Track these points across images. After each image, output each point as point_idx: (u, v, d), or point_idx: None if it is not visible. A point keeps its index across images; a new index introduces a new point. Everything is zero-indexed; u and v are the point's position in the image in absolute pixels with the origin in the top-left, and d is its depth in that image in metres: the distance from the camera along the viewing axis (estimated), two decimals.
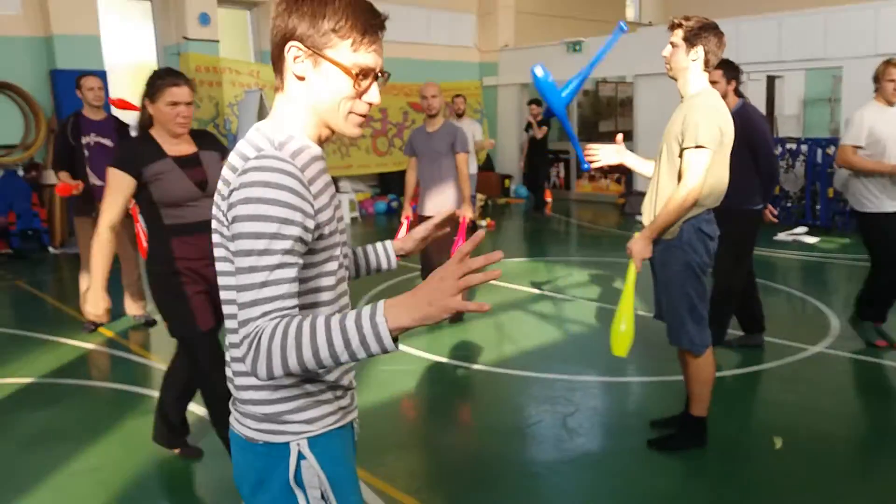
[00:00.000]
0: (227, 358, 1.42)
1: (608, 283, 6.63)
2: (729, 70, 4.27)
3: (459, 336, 5.21)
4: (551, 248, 9.25)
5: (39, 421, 3.79)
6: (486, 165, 13.44)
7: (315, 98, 1.35)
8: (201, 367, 2.91)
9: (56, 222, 8.89)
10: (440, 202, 5.32)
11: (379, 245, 1.80)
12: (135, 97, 10.65)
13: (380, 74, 1.38)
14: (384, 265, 1.80)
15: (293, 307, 1.25)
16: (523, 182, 12.78)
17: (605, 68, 10.91)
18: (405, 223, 5.48)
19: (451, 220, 1.84)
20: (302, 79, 1.34)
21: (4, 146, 8.85)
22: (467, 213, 5.24)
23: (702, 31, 2.95)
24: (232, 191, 1.27)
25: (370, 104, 1.38)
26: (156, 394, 4.09)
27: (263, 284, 1.22)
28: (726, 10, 10.96)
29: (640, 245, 3.08)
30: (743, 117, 4.02)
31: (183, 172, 2.83)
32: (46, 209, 8.88)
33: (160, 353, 4.86)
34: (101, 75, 9.54)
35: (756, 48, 10.20)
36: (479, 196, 11.33)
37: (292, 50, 1.33)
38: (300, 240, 1.27)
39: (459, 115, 8.94)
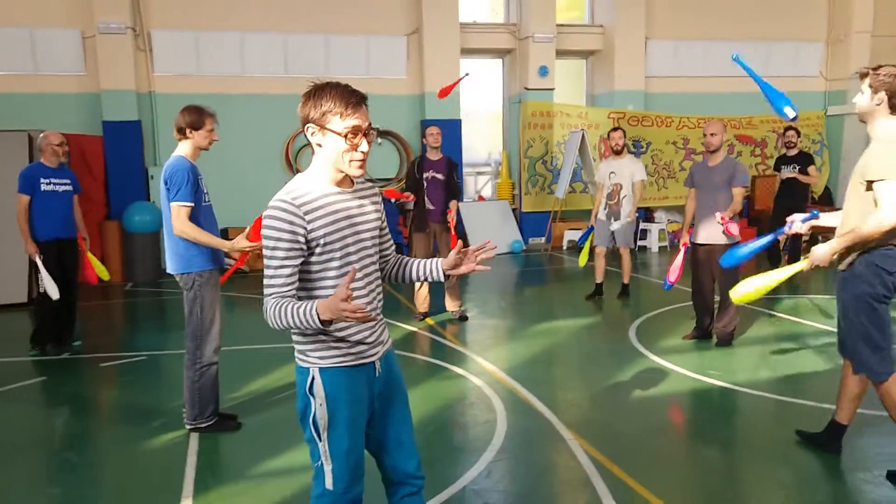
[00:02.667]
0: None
1: None
2: None
3: (726, 359, 5.51)
4: None
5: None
6: (825, 198, 12.67)
7: (328, 155, 2.12)
8: None
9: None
10: (712, 233, 5.72)
11: (433, 261, 2.44)
12: (483, 140, 12.59)
13: (367, 132, 2.09)
14: (434, 277, 2.42)
15: (286, 291, 2.07)
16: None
17: None
18: (682, 250, 5.98)
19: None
20: (319, 146, 2.12)
21: (384, 179, 11.48)
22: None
23: (885, 79, 3.22)
24: None
25: (363, 152, 2.11)
26: (455, 368, 5.40)
27: (270, 277, 2.08)
28: None
29: (823, 250, 3.34)
30: None
31: None
32: (408, 228, 11.21)
33: (466, 342, 6.21)
34: (456, 124, 11.71)
35: None
36: None
37: (309, 129, 2.11)
38: (293, 249, 2.06)
39: (617, 153, 7.77)
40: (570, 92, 13.29)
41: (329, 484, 2.20)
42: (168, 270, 4.17)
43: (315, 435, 2.20)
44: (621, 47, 12.51)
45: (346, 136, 2.08)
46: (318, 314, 1.96)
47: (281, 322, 2.04)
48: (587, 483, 3.45)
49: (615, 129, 7.84)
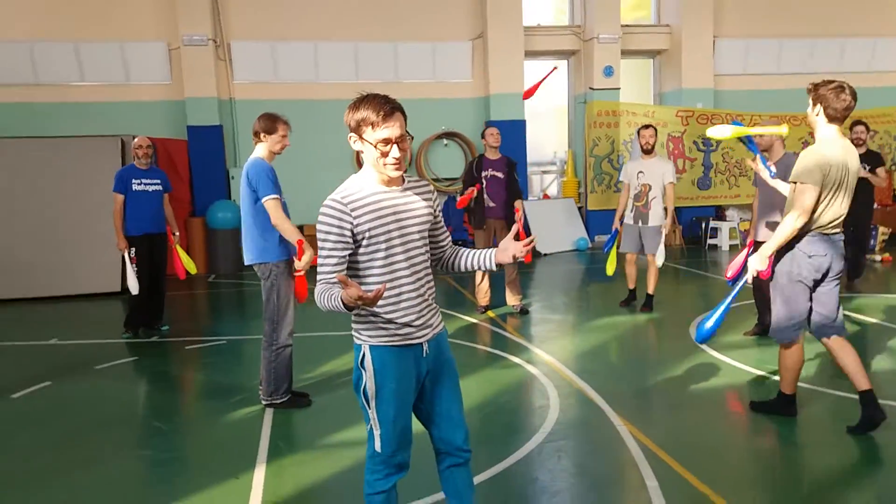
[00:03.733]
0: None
1: None
2: None
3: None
4: None
5: None
6: None
7: (369, 159, 2.36)
8: None
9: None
10: (771, 229, 5.72)
11: (486, 251, 2.60)
12: (548, 139, 12.68)
13: (398, 140, 2.28)
14: (486, 266, 2.58)
15: (331, 278, 2.29)
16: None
17: None
18: (746, 250, 5.97)
19: None
20: (361, 152, 2.37)
21: (450, 178, 11.77)
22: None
23: (819, 91, 3.70)
24: None
25: (396, 158, 2.30)
26: (513, 358, 5.60)
27: (320, 265, 2.33)
28: None
29: (757, 259, 3.91)
30: None
31: None
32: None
33: (526, 334, 6.40)
34: (521, 125, 11.89)
35: None
36: (882, 230, 10.51)
37: (351, 137, 2.35)
38: (339, 241, 2.31)
39: (647, 152, 7.07)
40: (638, 89, 13.25)
41: (378, 447, 2.46)
42: (246, 262, 4.53)
43: (365, 403, 2.46)
44: (689, 47, 12.41)
45: (376, 146, 2.31)
46: (342, 301, 2.21)
47: (323, 304, 2.29)
48: (633, 465, 3.59)
49: (646, 127, 7.15)
